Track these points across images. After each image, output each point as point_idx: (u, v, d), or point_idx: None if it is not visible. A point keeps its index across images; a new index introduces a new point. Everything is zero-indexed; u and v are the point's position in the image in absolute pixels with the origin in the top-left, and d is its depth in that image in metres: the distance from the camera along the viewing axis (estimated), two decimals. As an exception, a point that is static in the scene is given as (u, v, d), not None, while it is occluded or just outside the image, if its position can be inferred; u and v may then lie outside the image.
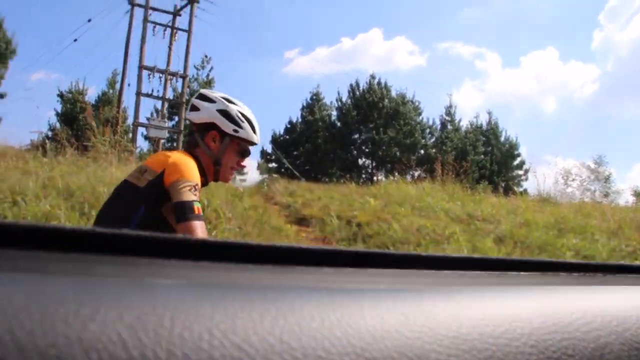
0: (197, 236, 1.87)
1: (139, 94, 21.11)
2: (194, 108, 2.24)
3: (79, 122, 22.73)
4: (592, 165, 20.77)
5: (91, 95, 29.90)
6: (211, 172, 2.25)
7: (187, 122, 2.30)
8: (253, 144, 2.28)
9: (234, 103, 2.23)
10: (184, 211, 1.92)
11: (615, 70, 59.74)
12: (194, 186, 1.97)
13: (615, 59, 60.15)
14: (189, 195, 1.94)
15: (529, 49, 73.23)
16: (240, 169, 2.32)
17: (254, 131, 2.25)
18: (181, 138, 21.95)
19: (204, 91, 2.27)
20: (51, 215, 5.82)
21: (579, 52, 64.34)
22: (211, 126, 2.21)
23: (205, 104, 2.21)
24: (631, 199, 19.89)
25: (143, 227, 2.03)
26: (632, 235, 8.58)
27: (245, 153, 2.29)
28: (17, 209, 5.98)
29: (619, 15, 61.87)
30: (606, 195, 19.62)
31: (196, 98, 2.26)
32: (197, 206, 1.93)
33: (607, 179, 22.40)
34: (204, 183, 2.21)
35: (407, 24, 65.29)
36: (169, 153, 2.12)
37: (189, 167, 2.03)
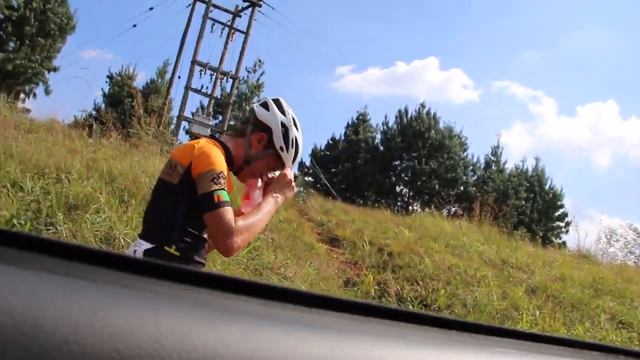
0: (220, 225, 1.96)
1: (187, 88, 21.32)
2: (265, 106, 2.30)
3: (124, 106, 23.05)
4: (640, 228, 19.97)
5: (139, 81, 30.23)
6: (237, 166, 2.29)
7: (249, 111, 2.45)
8: (284, 166, 2.34)
9: (297, 128, 2.30)
10: (204, 203, 1.97)
11: (679, 135, 57.44)
12: (218, 174, 2.00)
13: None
14: (210, 186, 1.97)
15: (588, 99, 71.55)
16: (259, 179, 2.35)
17: (294, 160, 2.32)
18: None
19: (282, 100, 2.34)
20: (92, 198, 5.84)
21: (641, 110, 62.42)
22: (266, 129, 2.27)
23: (277, 110, 2.29)
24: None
25: (189, 225, 2.10)
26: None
27: (274, 170, 2.35)
28: (60, 186, 6.02)
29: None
30: (651, 261, 18.90)
31: (272, 100, 2.33)
32: (217, 195, 1.96)
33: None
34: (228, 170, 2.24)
35: (465, 57, 64.79)
36: (194, 143, 2.14)
37: (214, 156, 2.05)
